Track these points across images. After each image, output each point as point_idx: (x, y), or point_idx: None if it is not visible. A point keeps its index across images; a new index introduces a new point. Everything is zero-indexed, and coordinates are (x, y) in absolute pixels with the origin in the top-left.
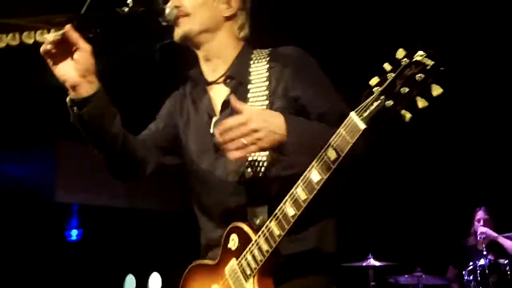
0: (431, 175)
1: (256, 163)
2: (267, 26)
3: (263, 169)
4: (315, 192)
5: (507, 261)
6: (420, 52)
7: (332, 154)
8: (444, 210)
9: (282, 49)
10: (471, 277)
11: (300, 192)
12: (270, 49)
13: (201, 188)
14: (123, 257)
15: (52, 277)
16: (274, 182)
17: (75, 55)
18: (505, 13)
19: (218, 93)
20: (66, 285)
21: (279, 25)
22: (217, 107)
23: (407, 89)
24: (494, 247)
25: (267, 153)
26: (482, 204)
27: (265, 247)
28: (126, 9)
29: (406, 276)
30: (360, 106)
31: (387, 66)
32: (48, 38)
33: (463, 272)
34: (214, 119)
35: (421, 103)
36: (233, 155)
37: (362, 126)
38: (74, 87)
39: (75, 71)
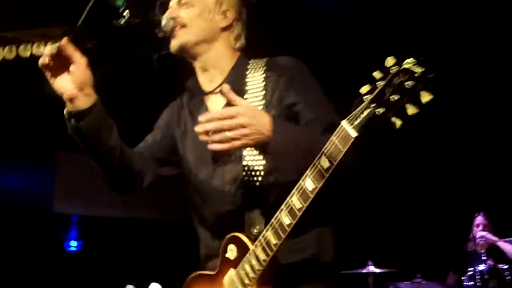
0: (430, 181)
1: (253, 173)
2: (262, 36)
3: (260, 178)
4: (309, 201)
5: (506, 266)
6: (409, 60)
7: (325, 163)
8: (443, 216)
9: (278, 59)
10: (471, 283)
11: (295, 201)
12: (266, 58)
13: (199, 198)
14: (122, 267)
15: (51, 286)
16: (271, 191)
17: (71, 68)
18: (494, 19)
19: (215, 104)
20: None
21: (274, 36)
22: None
23: (396, 97)
24: (494, 252)
25: (263, 162)
26: (481, 210)
27: (262, 256)
28: (123, 21)
29: (406, 282)
30: (351, 114)
31: (377, 74)
32: (45, 52)
33: (463, 278)
34: None
35: (411, 110)
36: (215, 146)
37: (354, 134)
38: (71, 100)
39: (72, 84)
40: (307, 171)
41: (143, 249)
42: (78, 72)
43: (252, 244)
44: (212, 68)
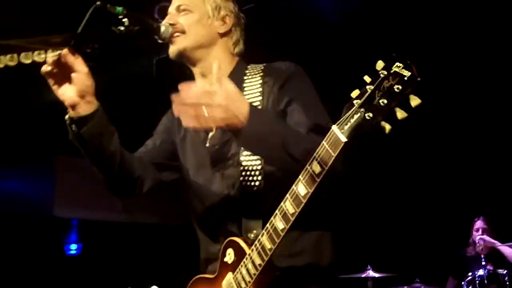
0: (429, 186)
1: (251, 177)
2: (261, 40)
3: (257, 182)
4: (302, 205)
5: (506, 271)
6: (398, 63)
7: (316, 168)
8: (443, 220)
9: (276, 64)
10: None
11: (288, 206)
12: (264, 64)
13: (198, 202)
14: (122, 271)
15: None
16: (269, 196)
17: (73, 76)
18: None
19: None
20: None
21: (272, 40)
22: None
23: (385, 101)
24: (493, 257)
25: (260, 167)
26: (480, 214)
27: (258, 260)
28: (122, 28)
29: (405, 287)
30: (341, 119)
31: (367, 78)
32: (47, 59)
33: (462, 283)
34: (210, 134)
35: (400, 114)
36: (188, 122)
37: (344, 139)
38: (73, 107)
39: (74, 92)
40: (300, 176)
41: (143, 253)
42: (80, 80)
43: (249, 248)
44: (211, 74)
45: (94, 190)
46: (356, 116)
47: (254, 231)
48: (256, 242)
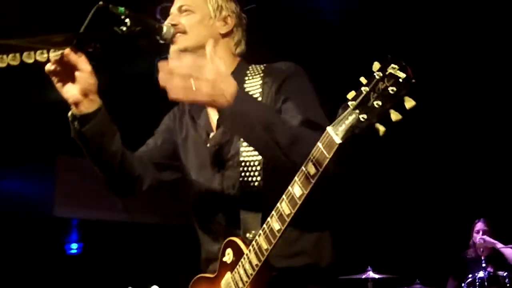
0: (430, 187)
1: (250, 178)
2: (262, 42)
3: (256, 183)
4: (297, 206)
5: (506, 273)
6: (393, 65)
7: (311, 169)
8: (443, 222)
9: (276, 64)
10: None
11: (284, 207)
12: (265, 64)
13: (199, 203)
14: (123, 270)
15: None
16: (268, 196)
17: (77, 75)
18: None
19: (215, 110)
20: None
21: (273, 42)
22: (214, 123)
23: (380, 103)
24: (494, 259)
25: (260, 167)
26: (481, 216)
27: (254, 261)
28: (124, 28)
29: None
30: (336, 120)
31: (363, 80)
32: (51, 58)
33: (463, 285)
34: (211, 135)
35: (395, 116)
36: (173, 93)
37: (338, 140)
38: (76, 104)
39: (77, 90)
40: (295, 177)
41: (143, 253)
42: (83, 79)
43: (247, 248)
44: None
45: (95, 190)
46: (350, 118)
47: (253, 231)
48: (253, 242)
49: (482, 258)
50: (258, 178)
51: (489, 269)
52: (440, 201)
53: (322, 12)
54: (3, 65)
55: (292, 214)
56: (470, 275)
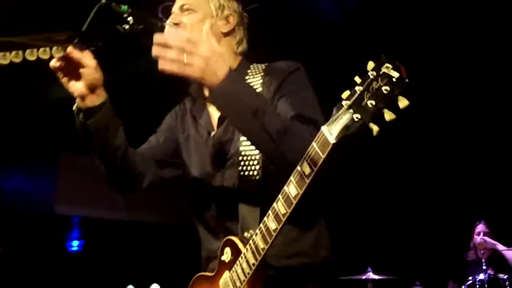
0: (431, 189)
1: (250, 178)
2: (264, 41)
3: (255, 183)
4: (293, 206)
5: (506, 276)
6: (387, 64)
7: (306, 169)
8: (444, 224)
9: (277, 63)
10: None
11: (280, 206)
12: (266, 64)
13: (200, 202)
14: (123, 268)
15: (53, 287)
16: (267, 196)
17: (82, 71)
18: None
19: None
20: None
21: (274, 41)
22: (215, 122)
23: (373, 102)
24: (494, 262)
25: (259, 166)
26: (481, 218)
27: (251, 260)
28: (127, 27)
29: None
30: (331, 120)
31: (357, 79)
32: (54, 56)
33: (463, 287)
34: (212, 134)
35: (388, 115)
36: (164, 65)
37: (332, 140)
38: (82, 98)
39: (82, 85)
40: (291, 177)
41: (144, 251)
42: (89, 75)
43: (245, 247)
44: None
45: (96, 188)
46: (344, 117)
47: (251, 231)
48: (250, 241)
49: (483, 260)
50: (258, 178)
51: (489, 271)
52: (441, 202)
53: (323, 12)
54: (6, 62)
55: (288, 214)
56: (470, 278)
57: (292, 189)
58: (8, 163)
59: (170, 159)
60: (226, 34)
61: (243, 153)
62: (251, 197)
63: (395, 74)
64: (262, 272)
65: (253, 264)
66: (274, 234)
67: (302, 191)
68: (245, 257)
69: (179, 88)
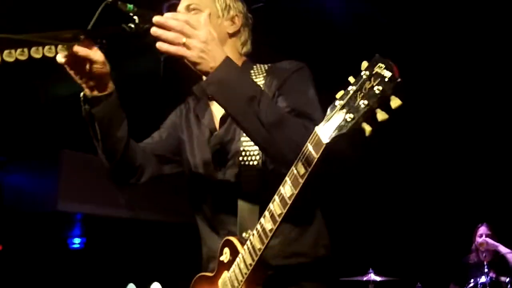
0: (433, 191)
1: (250, 178)
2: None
3: (255, 183)
4: (288, 206)
5: (508, 279)
6: (380, 64)
7: (301, 169)
8: (446, 226)
9: (280, 64)
10: None
11: (275, 206)
12: (269, 64)
13: (201, 201)
14: (125, 266)
15: (54, 283)
16: (267, 196)
17: (89, 66)
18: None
19: (219, 108)
20: None
21: (279, 42)
22: (218, 122)
23: (366, 102)
24: (496, 264)
25: (260, 167)
26: (483, 221)
27: (248, 260)
28: (132, 26)
29: None
30: (324, 120)
31: (351, 79)
32: (60, 53)
33: None
34: (214, 134)
35: (381, 116)
36: (162, 46)
37: (325, 140)
38: (89, 88)
39: (91, 78)
40: (286, 177)
41: (145, 249)
42: (97, 70)
43: (242, 248)
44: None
45: (98, 186)
46: (338, 117)
47: (249, 231)
48: (247, 242)
49: (485, 263)
50: (256, 173)
51: (491, 274)
52: (443, 205)
53: (327, 13)
54: (11, 59)
55: (283, 214)
56: (472, 280)
57: (287, 189)
58: (10, 160)
59: (172, 155)
60: (231, 35)
61: (244, 153)
62: (250, 197)
63: (387, 74)
64: (260, 272)
65: (250, 264)
66: (270, 234)
67: (297, 191)
68: (243, 257)
69: (183, 87)
